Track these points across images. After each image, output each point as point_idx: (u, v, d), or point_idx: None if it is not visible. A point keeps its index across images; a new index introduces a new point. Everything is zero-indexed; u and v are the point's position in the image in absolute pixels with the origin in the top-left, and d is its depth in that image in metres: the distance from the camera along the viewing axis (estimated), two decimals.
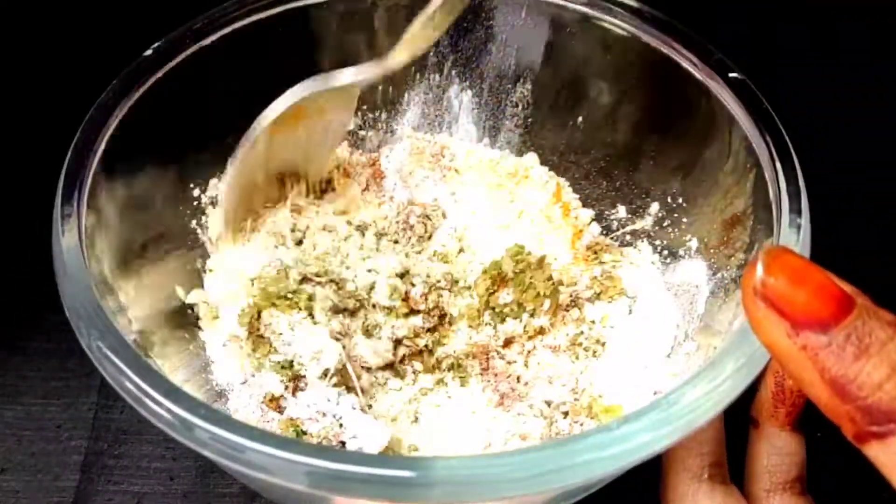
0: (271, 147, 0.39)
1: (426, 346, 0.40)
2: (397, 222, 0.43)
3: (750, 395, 0.33)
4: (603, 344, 0.40)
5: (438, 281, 0.41)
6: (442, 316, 0.40)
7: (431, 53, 0.44)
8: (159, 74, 0.37)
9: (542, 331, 0.40)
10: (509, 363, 0.40)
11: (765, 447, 0.33)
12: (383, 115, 0.47)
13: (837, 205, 0.40)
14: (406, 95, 0.46)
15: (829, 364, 0.21)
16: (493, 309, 0.40)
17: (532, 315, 0.40)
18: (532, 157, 0.46)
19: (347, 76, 0.38)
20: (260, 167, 0.40)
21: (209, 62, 0.39)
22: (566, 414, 0.37)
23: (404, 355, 0.39)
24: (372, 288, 0.40)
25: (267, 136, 0.38)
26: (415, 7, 0.41)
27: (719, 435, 0.33)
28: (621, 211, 0.44)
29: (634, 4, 0.39)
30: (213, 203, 0.42)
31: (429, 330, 0.40)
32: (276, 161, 0.40)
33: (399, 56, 0.37)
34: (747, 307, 0.23)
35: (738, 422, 0.34)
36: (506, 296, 0.40)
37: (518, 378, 0.39)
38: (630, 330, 0.40)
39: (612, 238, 0.44)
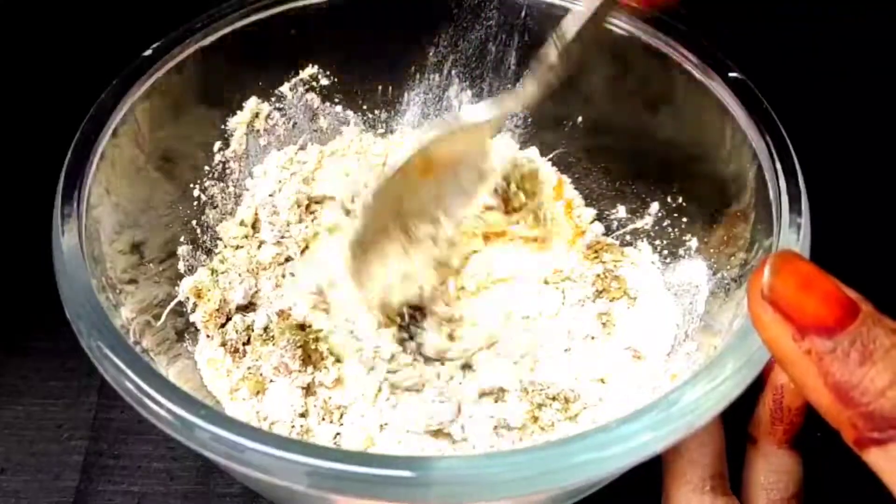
0: (399, 199, 0.36)
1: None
2: None
3: (749, 409, 0.34)
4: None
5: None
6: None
7: (431, 53, 0.44)
8: (159, 74, 0.37)
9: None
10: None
11: (762, 465, 0.33)
12: (383, 115, 0.47)
13: (837, 204, 0.40)
14: (406, 95, 0.46)
15: (832, 369, 0.22)
16: None
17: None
18: (533, 151, 0.46)
19: (477, 113, 0.36)
20: (388, 216, 0.37)
21: (209, 62, 0.39)
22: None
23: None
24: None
25: (392, 186, 0.35)
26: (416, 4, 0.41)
27: (720, 447, 0.33)
28: (621, 211, 0.44)
29: (635, 4, 0.39)
30: (212, 203, 0.42)
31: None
32: (407, 212, 0.37)
33: (531, 90, 0.35)
34: (753, 310, 0.23)
35: (738, 435, 0.34)
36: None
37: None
38: (630, 329, 0.40)
39: (612, 237, 0.44)
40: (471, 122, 0.36)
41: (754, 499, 0.33)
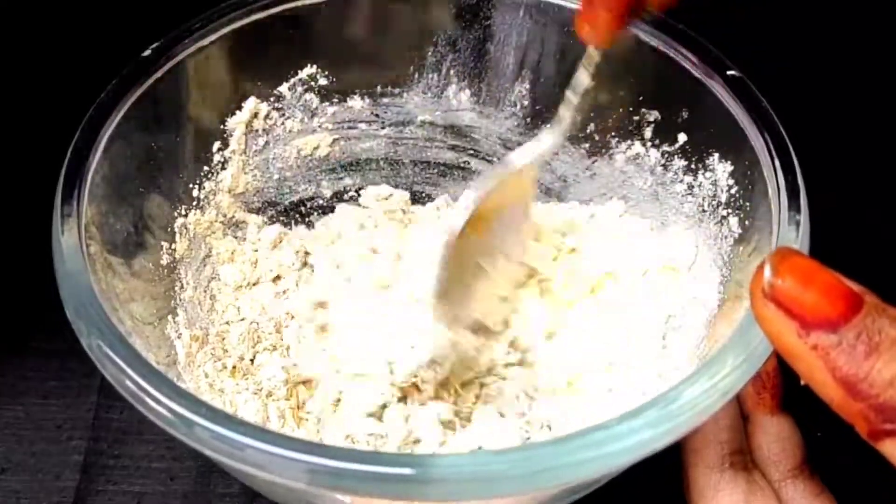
0: (460, 254, 0.36)
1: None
2: None
3: None
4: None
5: None
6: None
7: (430, 53, 0.44)
8: (159, 74, 0.37)
9: None
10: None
11: (762, 438, 0.33)
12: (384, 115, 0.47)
13: (836, 202, 0.40)
14: (405, 95, 0.46)
15: (840, 363, 0.22)
16: None
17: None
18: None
19: (518, 159, 0.36)
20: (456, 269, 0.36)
21: (208, 62, 0.39)
22: None
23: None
24: None
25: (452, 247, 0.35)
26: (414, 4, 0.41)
27: (736, 423, 0.33)
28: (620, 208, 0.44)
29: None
30: (210, 201, 0.42)
31: None
32: (471, 263, 0.38)
33: (565, 124, 0.36)
34: (756, 309, 0.23)
35: None
36: None
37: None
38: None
39: None
40: (517, 167, 0.36)
41: (767, 475, 0.33)
